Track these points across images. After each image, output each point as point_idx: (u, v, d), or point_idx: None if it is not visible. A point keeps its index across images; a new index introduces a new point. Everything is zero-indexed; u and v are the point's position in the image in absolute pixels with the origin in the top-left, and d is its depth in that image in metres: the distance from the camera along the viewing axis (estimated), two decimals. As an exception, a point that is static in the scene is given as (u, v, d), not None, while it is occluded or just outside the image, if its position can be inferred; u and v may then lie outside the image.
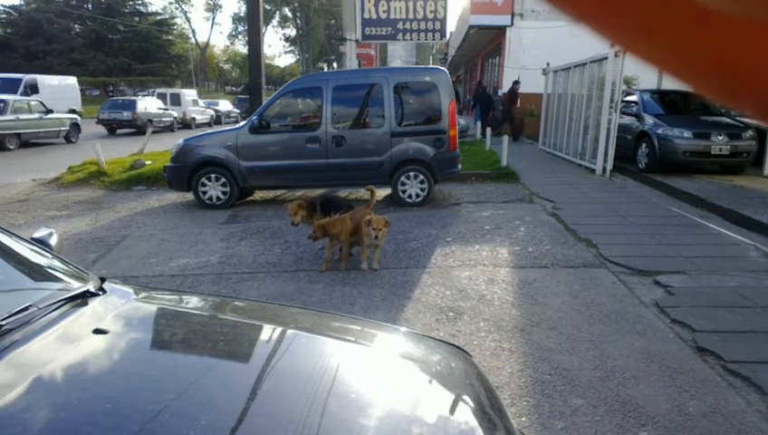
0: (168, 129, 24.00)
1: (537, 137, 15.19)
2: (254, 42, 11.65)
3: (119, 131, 22.61)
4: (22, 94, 20.39)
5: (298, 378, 1.46)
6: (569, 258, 5.38)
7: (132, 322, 1.64)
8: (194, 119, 26.70)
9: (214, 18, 76.98)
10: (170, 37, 62.15)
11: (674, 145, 9.71)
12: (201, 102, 29.66)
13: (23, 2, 52.62)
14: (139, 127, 21.20)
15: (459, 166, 8.04)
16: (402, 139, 7.68)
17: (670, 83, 12.48)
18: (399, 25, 12.46)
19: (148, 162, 10.98)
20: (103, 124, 22.28)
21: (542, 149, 14.30)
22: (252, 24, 11.82)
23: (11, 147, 16.13)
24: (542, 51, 15.54)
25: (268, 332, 1.76)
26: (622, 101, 10.27)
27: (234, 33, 74.80)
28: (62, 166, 11.23)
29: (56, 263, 1.87)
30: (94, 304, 1.65)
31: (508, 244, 5.90)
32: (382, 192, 8.69)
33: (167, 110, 24.77)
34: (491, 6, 17.10)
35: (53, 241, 2.12)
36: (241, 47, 73.64)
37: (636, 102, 11.06)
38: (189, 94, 28.37)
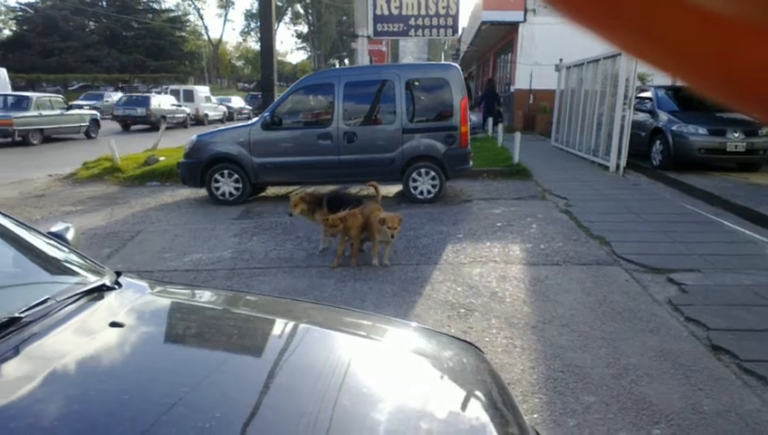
0: (182, 125, 24.19)
1: (549, 133, 15.10)
2: (267, 38, 11.68)
3: (133, 127, 22.82)
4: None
5: (310, 372, 1.47)
6: (581, 255, 5.35)
7: (147, 315, 1.66)
8: (206, 115, 26.87)
9: (226, 15, 77.13)
10: (183, 34, 62.52)
11: (689, 142, 9.60)
12: (214, 99, 29.83)
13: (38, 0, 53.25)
14: (152, 123, 21.39)
15: (471, 162, 8.02)
16: (414, 135, 7.67)
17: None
18: (411, 21, 12.44)
19: (161, 158, 11.07)
20: (118, 120, 22.51)
21: (554, 145, 14.20)
22: (264, 20, 11.86)
23: (34, 142, 16.50)
24: (555, 47, 15.41)
25: (281, 326, 1.78)
26: (636, 98, 10.17)
27: (246, 29, 75.14)
28: (81, 161, 11.37)
29: (73, 257, 1.90)
30: (110, 297, 1.67)
31: (520, 241, 5.87)
32: (393, 188, 8.69)
33: (180, 106, 24.94)
34: (503, 2, 17.00)
35: (70, 235, 2.15)
36: (253, 44, 73.94)
37: (650, 99, 10.95)
38: (202, 91, 28.55)
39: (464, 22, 26.39)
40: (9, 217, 1.89)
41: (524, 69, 17.75)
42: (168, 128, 17.54)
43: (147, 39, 55.21)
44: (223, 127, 10.46)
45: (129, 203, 8.15)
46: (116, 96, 24.45)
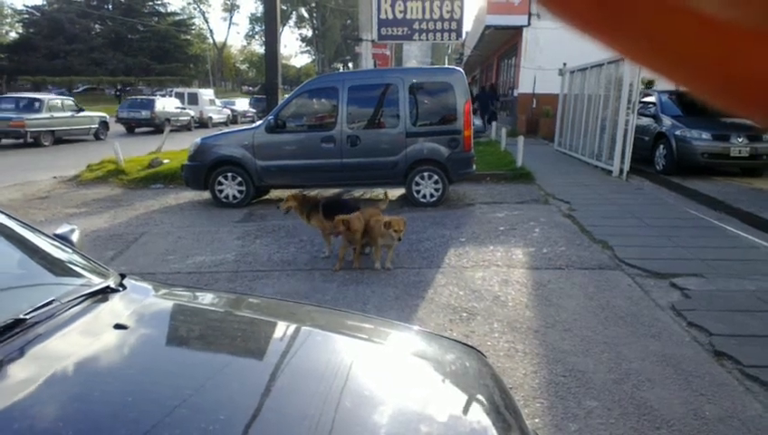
0: (186, 128, 24.27)
1: (552, 137, 15.09)
2: (271, 42, 11.73)
3: (137, 130, 22.91)
4: None
5: (313, 375, 1.48)
6: (584, 260, 5.35)
7: (151, 318, 1.67)
8: (210, 118, 26.96)
9: (231, 18, 77.71)
10: (188, 37, 62.78)
11: (692, 147, 9.59)
12: (218, 102, 29.93)
13: (45, 2, 53.56)
14: (157, 126, 21.47)
15: (474, 166, 8.03)
16: (417, 139, 7.68)
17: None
18: (416, 25, 12.47)
19: (165, 161, 11.12)
20: (122, 123, 22.60)
21: (557, 149, 14.20)
22: (269, 24, 11.90)
23: (46, 143, 16.78)
24: (559, 51, 15.38)
25: (284, 329, 1.79)
26: (640, 102, 10.16)
27: (251, 33, 75.42)
28: (90, 162, 11.43)
29: (78, 259, 1.92)
30: (115, 299, 1.69)
31: (523, 245, 5.87)
32: (396, 192, 8.70)
33: (184, 109, 25.03)
34: (508, 6, 17.02)
35: (75, 237, 2.17)
36: (257, 47, 74.21)
37: (653, 103, 10.94)
38: (206, 94, 28.65)
39: (467, 26, 26.45)
40: (15, 218, 1.90)
41: (528, 73, 17.76)
42: (172, 130, 17.60)
43: (152, 42, 55.47)
44: (227, 130, 10.49)
45: (133, 205, 8.18)
46: (169, 102, 24.40)
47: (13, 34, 57.58)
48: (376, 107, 7.89)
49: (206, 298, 2.06)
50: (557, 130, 14.53)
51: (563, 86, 14.11)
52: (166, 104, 23.62)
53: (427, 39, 12.70)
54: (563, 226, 6.68)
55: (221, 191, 7.89)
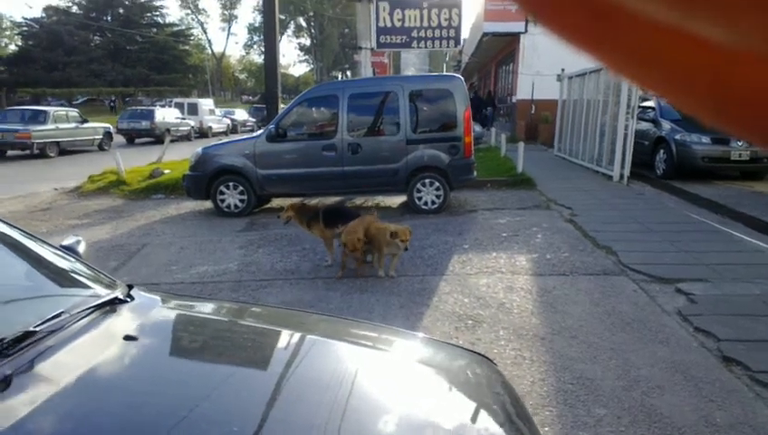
0: (186, 138, 24.30)
1: (551, 143, 15.12)
2: (270, 51, 11.76)
3: (137, 140, 22.94)
4: None
5: (322, 385, 1.47)
6: (588, 266, 5.33)
7: (160, 328, 1.66)
8: (210, 128, 27.01)
9: (229, 29, 77.96)
10: (187, 48, 63.04)
11: (692, 151, 9.60)
12: (218, 112, 30.00)
13: (44, 14, 53.79)
14: (157, 136, 21.50)
15: (475, 172, 8.03)
16: (417, 146, 7.69)
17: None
18: (414, 33, 12.51)
19: (166, 171, 11.11)
20: (122, 134, 22.62)
21: (557, 155, 14.22)
22: (268, 34, 11.94)
23: (51, 154, 17.02)
24: (557, 57, 15.35)
25: (293, 338, 1.77)
26: (639, 107, 10.18)
27: (249, 43, 75.73)
28: (96, 172, 11.44)
29: (85, 270, 1.90)
30: (123, 311, 1.67)
31: (526, 251, 5.86)
32: (397, 199, 8.70)
33: (184, 119, 25.08)
34: (504, 13, 17.09)
35: (81, 249, 2.15)
36: (256, 57, 74.51)
37: (652, 108, 10.96)
38: (206, 104, 28.72)
39: (465, 33, 26.57)
40: (21, 230, 1.89)
41: (526, 79, 17.82)
42: (172, 141, 17.62)
43: (150, 53, 55.67)
44: (228, 139, 10.52)
45: (134, 216, 8.17)
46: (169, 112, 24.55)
47: (12, 47, 57.84)
48: (376, 115, 7.90)
49: (213, 308, 2.04)
50: (556, 135, 14.55)
51: (562, 92, 14.15)
52: (166, 115, 23.66)
53: (426, 47, 12.75)
54: (566, 231, 6.67)
55: (222, 201, 7.88)
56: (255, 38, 71.70)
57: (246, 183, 7.78)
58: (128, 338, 1.47)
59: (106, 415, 1.24)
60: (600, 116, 11.14)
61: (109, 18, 56.08)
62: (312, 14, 67.94)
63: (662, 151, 10.27)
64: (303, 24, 72.22)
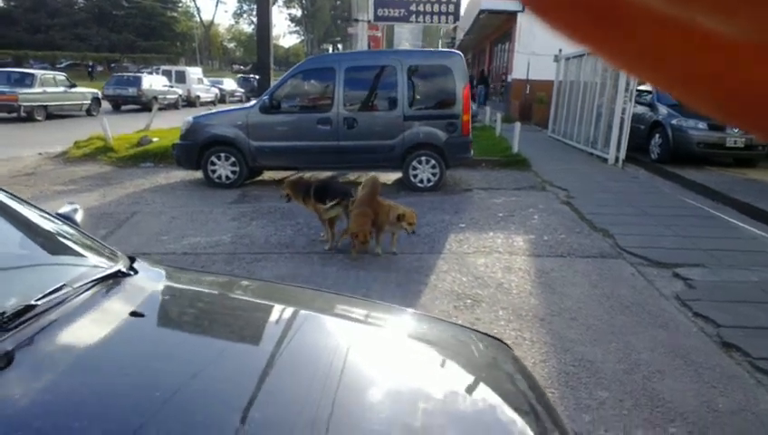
0: (173, 106, 23.79)
1: (546, 124, 15.04)
2: (263, 20, 11.46)
3: (123, 107, 22.40)
4: None
5: (335, 364, 1.40)
6: (585, 248, 5.31)
7: (167, 304, 1.57)
8: (198, 97, 26.46)
9: (219, -4, 76.05)
10: (175, 14, 61.47)
11: (688, 136, 9.58)
12: (206, 81, 29.38)
13: (26, -27, 51.93)
14: (143, 104, 21.00)
15: (471, 151, 7.93)
16: (414, 122, 7.55)
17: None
18: (412, 7, 12.24)
19: (154, 139, 10.86)
20: (108, 100, 22.07)
21: (551, 136, 14.16)
22: (260, 3, 11.61)
23: (39, 118, 16.75)
24: (554, 37, 15.24)
25: (306, 316, 1.69)
26: (636, 90, 10.11)
27: (238, 11, 74.15)
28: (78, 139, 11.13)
29: (85, 240, 1.80)
30: (127, 284, 1.57)
31: (523, 232, 5.82)
32: (392, 176, 8.59)
33: (172, 87, 24.52)
34: (503, -10, 16.82)
35: (79, 217, 2.04)
36: (246, 26, 73.02)
37: (649, 92, 10.89)
38: (194, 72, 28.08)
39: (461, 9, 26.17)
40: (16, 196, 1.77)
41: (522, 59, 17.64)
42: (159, 109, 17.26)
43: (137, 18, 54.22)
44: (219, 109, 10.28)
45: (123, 184, 7.98)
46: (156, 79, 23.94)
47: (-8, 7, 55.89)
48: (373, 89, 7.73)
49: (220, 282, 1.95)
50: (551, 116, 14.47)
51: (558, 73, 14.02)
52: (153, 82, 23.11)
53: (424, 21, 12.52)
54: (562, 213, 6.64)
55: (214, 171, 7.70)
56: (245, 6, 70.16)
57: (238, 154, 7.61)
58: (134, 314, 1.38)
59: (116, 396, 1.15)
60: (596, 98, 11.06)
61: (93, -20, 54.38)
62: (304, -17, 66.54)
63: (657, 136, 10.24)
64: (295, -7, 70.76)
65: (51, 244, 1.71)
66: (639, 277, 4.58)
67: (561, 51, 13.89)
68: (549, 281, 4.47)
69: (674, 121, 9.84)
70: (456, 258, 4.95)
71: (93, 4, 53.61)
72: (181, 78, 26.33)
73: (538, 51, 16.57)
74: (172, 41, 58.62)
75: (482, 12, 18.76)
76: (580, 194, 7.56)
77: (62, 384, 1.11)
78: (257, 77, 12.18)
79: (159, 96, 22.02)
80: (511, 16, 18.14)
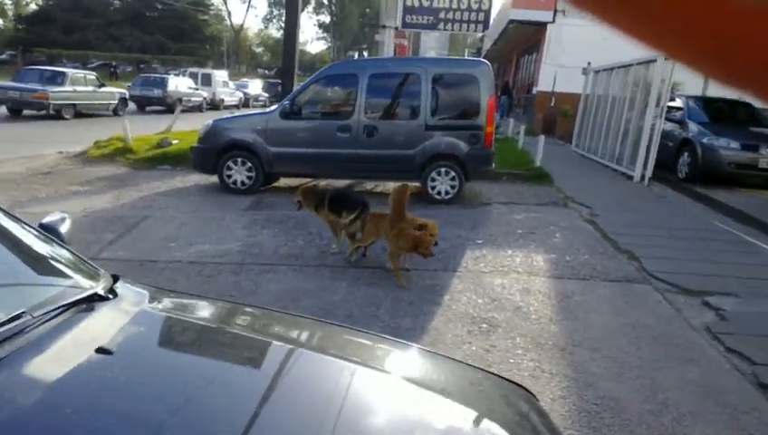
0: (197, 109, 23.95)
1: (570, 138, 14.71)
2: (291, 24, 11.41)
3: (148, 108, 22.64)
4: None
5: (331, 411, 1.21)
6: (609, 271, 5.05)
7: (144, 338, 1.40)
8: (222, 100, 26.64)
9: (250, 1, 76.83)
10: (206, 18, 62.30)
11: (719, 155, 9.21)
12: (231, 84, 29.59)
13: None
14: (168, 105, 21.18)
15: (493, 164, 7.71)
16: (436, 132, 7.36)
17: (716, 90, 11.83)
18: (441, 15, 12.04)
19: (174, 141, 10.85)
20: (134, 101, 22.33)
21: (575, 150, 13.83)
22: (289, 7, 11.57)
23: (67, 117, 16.92)
24: (582, 49, 14.97)
25: (302, 355, 1.51)
26: (666, 107, 9.76)
27: (269, 16, 74.87)
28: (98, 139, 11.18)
29: (64, 256, 1.65)
30: (102, 311, 1.41)
31: (543, 251, 5.57)
32: (409, 186, 8.38)
33: (197, 89, 24.73)
34: (533, 1, 16.57)
35: (65, 228, 1.89)
36: (274, 31, 73.67)
37: (680, 108, 10.55)
38: (220, 75, 28.31)
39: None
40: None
41: (549, 70, 17.33)
42: (183, 111, 17.35)
43: (169, 21, 55.06)
44: (240, 113, 10.24)
45: (138, 186, 7.93)
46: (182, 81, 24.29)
47: (33, 6, 57.39)
48: (396, 97, 7.57)
49: (208, 310, 1.78)
50: (576, 130, 14.14)
51: (586, 86, 13.71)
52: (179, 84, 23.32)
53: (452, 29, 12.31)
54: (585, 232, 6.38)
55: (230, 176, 7.60)
56: (275, 12, 70.85)
57: (255, 160, 7.49)
58: (101, 351, 1.21)
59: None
60: (624, 113, 10.74)
61: (129, -18, 55.45)
62: (332, -10, 66.98)
63: (686, 154, 9.87)
64: (325, 0, 71.20)
65: (21, 261, 1.56)
66: (667, 305, 4.32)
67: (589, 63, 13.59)
68: (570, 306, 4.23)
69: (704, 140, 9.48)
70: (471, 277, 4.74)
71: (128, 5, 54.65)
72: (207, 81, 26.55)
73: (566, 63, 16.26)
74: (201, 43, 59.37)
75: (511, 22, 18.52)
76: (603, 212, 7.28)
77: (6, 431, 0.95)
78: (281, 81, 12.11)
79: (184, 98, 22.20)
80: (540, 27, 17.87)
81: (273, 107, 8.12)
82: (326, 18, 73.98)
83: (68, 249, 1.72)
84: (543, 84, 17.74)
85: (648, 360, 3.44)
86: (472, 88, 7.28)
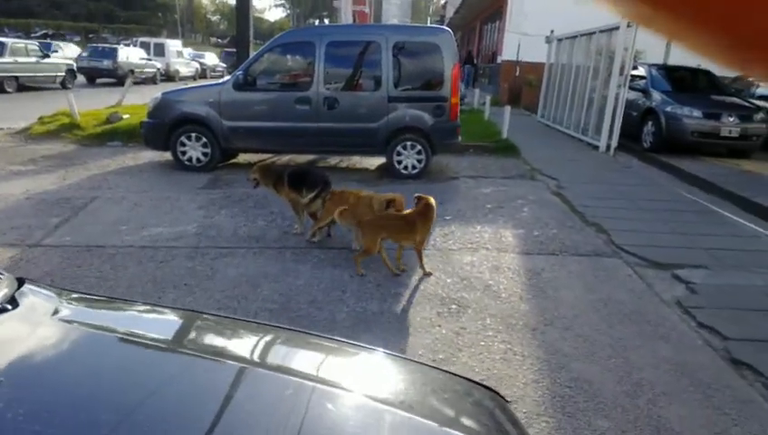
0: (151, 81, 22.92)
1: (535, 108, 14.63)
2: (243, -10, 10.81)
3: (98, 80, 21.50)
4: None
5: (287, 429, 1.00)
6: (578, 245, 4.96)
7: (42, 363, 1.14)
8: (178, 71, 25.56)
9: (202, -35, 73.46)
10: (156, -17, 59.41)
11: (682, 124, 9.23)
12: (186, 54, 28.39)
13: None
14: (119, 77, 20.15)
15: (459, 137, 7.50)
16: (399, 104, 7.08)
17: (677, 58, 11.84)
18: (401, -20, 11.64)
19: (125, 116, 10.26)
20: (83, 73, 21.14)
21: (540, 121, 13.76)
22: (241, -29, 10.94)
23: (9, 90, 16.06)
24: (545, 17, 14.78)
25: (245, 374, 1.28)
26: (629, 76, 9.70)
27: (223, -18, 71.93)
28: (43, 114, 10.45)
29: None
30: (-7, 329, 1.15)
31: (512, 226, 5.45)
32: (375, 161, 8.16)
33: (149, 60, 23.60)
34: (495, -33, 16.21)
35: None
36: (230, -2, 70.94)
37: (643, 77, 10.50)
38: (174, 45, 27.11)
39: (451, -13, 25.52)
40: None
41: (512, 39, 17.11)
42: (136, 83, 16.53)
43: (116, -14, 52.28)
44: (191, 84, 9.71)
45: (86, 165, 7.44)
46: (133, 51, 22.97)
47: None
48: (356, 67, 7.24)
49: (138, 319, 1.52)
50: (541, 100, 14.04)
51: (550, 55, 13.58)
52: (130, 54, 22.21)
53: (413, -4, 11.94)
54: (553, 205, 6.28)
55: (184, 153, 7.18)
56: (230, -22, 68.11)
57: (210, 135, 7.09)
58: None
59: None
60: (588, 82, 10.66)
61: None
62: (290, -44, 64.70)
63: (650, 123, 9.87)
64: (281, -35, 68.85)
65: None
66: (637, 280, 4.25)
67: (552, 32, 13.42)
68: (540, 283, 4.12)
69: (668, 109, 9.48)
70: (440, 256, 4.57)
71: (70, -30, 51.51)
72: (160, 51, 25.42)
73: (529, 31, 16.06)
74: (153, 11, 56.78)
75: (472, -11, 18.15)
76: (570, 184, 7.21)
77: None
78: (236, 51, 11.53)
79: (136, 69, 21.20)
80: (502, -5, 17.57)
81: (227, 78, 7.68)
82: (284, -16, 71.68)
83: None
84: (507, 53, 17.54)
85: (620, 338, 3.35)
86: (435, 57, 7.01)
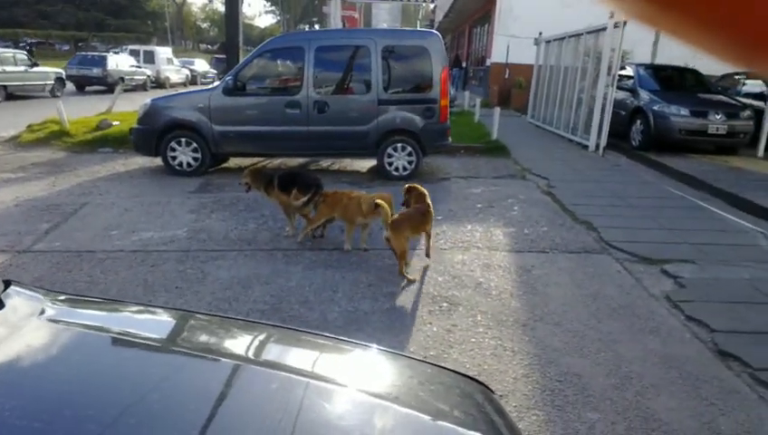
0: (141, 88, 22.83)
1: (525, 109, 14.72)
2: (232, -4, 10.83)
3: (88, 88, 21.41)
4: None
5: (282, 425, 1.02)
6: (568, 242, 5.00)
7: (28, 366, 1.15)
8: (168, 78, 25.47)
9: (192, -27, 73.47)
10: (145, -9, 59.26)
11: (670, 122, 9.33)
12: (176, 61, 28.33)
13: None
14: (109, 84, 20.06)
15: (449, 138, 7.55)
16: (389, 107, 7.12)
17: (665, 58, 11.96)
18: (390, -16, 11.71)
19: (115, 123, 10.23)
20: (72, 81, 21.04)
21: (530, 122, 13.84)
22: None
23: None
24: (534, 20, 14.92)
25: (240, 367, 1.29)
26: (617, 75, 9.78)
27: (213, -11, 71.83)
28: (32, 122, 10.39)
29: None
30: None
31: (502, 224, 5.48)
32: (366, 163, 8.18)
33: (139, 67, 23.54)
34: (483, -30, 16.32)
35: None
36: (220, 5, 70.89)
37: (631, 77, 10.60)
38: (164, 52, 27.01)
39: (440, -10, 25.66)
40: None
41: (501, 42, 17.22)
42: (126, 90, 16.50)
43: (105, -5, 52.07)
44: (181, 91, 9.71)
45: (76, 171, 7.41)
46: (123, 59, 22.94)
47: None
48: (346, 71, 7.27)
49: (124, 319, 1.53)
50: (530, 101, 14.14)
51: (539, 56, 13.68)
52: (119, 62, 22.12)
53: (402, 0, 12.00)
54: (543, 203, 6.33)
55: (174, 158, 7.18)
56: (220, -15, 68.05)
57: (200, 140, 7.09)
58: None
59: None
60: (577, 83, 10.75)
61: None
62: (280, -38, 64.79)
63: (639, 122, 9.96)
64: (271, -28, 68.93)
65: None
66: (626, 275, 4.29)
67: (540, 34, 13.53)
68: (531, 280, 4.15)
69: (656, 107, 9.58)
70: (432, 255, 4.59)
71: (59, -21, 51.29)
72: (150, 58, 25.32)
73: (518, 33, 16.18)
74: (143, 19, 56.55)
75: (461, -7, 18.26)
76: (561, 183, 7.26)
77: None
78: (225, 57, 11.53)
79: (126, 77, 21.11)
80: (490, -2, 17.69)
81: (216, 83, 7.69)
82: (274, -9, 71.69)
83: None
84: (497, 56, 17.64)
85: (609, 332, 3.38)
86: (423, 60, 7.06)
